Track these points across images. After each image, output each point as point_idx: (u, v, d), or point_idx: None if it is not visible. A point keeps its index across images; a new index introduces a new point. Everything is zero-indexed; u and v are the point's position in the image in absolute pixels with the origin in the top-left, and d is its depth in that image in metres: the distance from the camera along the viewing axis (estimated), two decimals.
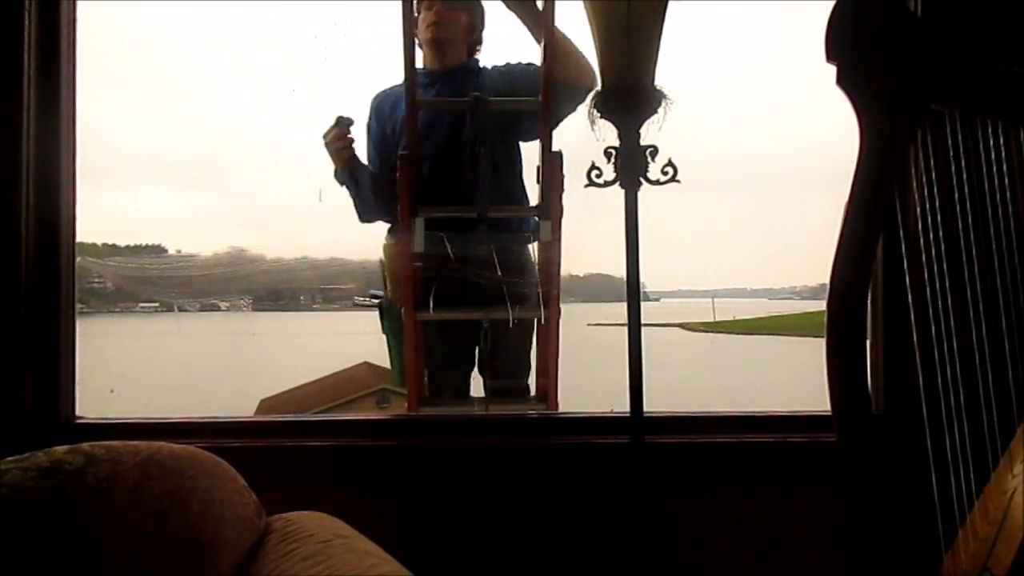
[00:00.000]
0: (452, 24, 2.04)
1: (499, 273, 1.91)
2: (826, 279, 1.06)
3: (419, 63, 2.02)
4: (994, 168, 1.15)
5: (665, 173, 1.34)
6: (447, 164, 1.93)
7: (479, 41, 2.14)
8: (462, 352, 2.08)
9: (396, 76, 1.95)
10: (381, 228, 2.10)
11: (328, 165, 2.05)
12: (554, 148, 1.86)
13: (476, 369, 2.10)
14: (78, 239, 1.56)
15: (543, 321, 1.90)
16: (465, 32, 2.09)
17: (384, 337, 2.06)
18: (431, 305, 1.88)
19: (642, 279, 1.37)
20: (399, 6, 1.76)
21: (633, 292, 1.35)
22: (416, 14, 2.01)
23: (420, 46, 2.05)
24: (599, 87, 1.35)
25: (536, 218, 1.89)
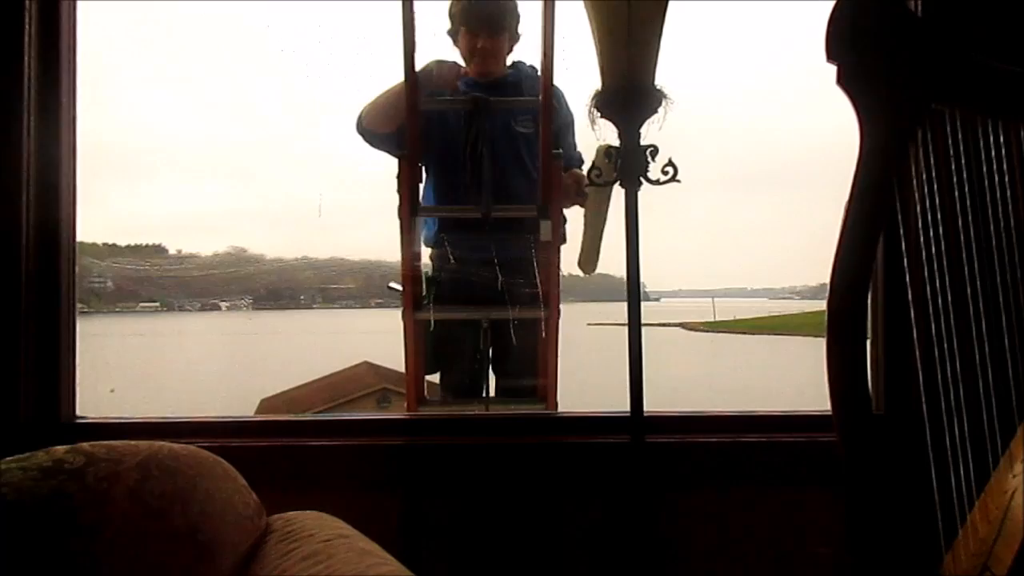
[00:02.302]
0: (498, 55, 2.05)
1: (504, 273, 1.92)
2: (826, 279, 1.06)
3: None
4: (994, 168, 1.15)
5: (665, 173, 1.33)
6: (466, 168, 1.94)
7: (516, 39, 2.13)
8: (477, 351, 2.08)
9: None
10: (382, 228, 2.10)
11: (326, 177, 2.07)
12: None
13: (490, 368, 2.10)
14: (80, 238, 1.56)
15: (543, 321, 1.90)
16: (508, 51, 2.09)
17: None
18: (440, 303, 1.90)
19: (642, 279, 1.37)
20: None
21: (633, 292, 1.35)
22: (452, 38, 2.05)
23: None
24: (600, 88, 1.35)
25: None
